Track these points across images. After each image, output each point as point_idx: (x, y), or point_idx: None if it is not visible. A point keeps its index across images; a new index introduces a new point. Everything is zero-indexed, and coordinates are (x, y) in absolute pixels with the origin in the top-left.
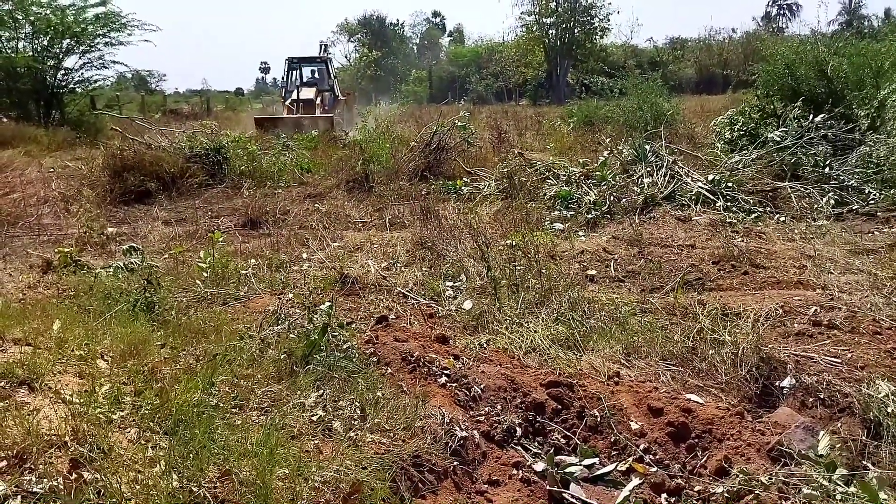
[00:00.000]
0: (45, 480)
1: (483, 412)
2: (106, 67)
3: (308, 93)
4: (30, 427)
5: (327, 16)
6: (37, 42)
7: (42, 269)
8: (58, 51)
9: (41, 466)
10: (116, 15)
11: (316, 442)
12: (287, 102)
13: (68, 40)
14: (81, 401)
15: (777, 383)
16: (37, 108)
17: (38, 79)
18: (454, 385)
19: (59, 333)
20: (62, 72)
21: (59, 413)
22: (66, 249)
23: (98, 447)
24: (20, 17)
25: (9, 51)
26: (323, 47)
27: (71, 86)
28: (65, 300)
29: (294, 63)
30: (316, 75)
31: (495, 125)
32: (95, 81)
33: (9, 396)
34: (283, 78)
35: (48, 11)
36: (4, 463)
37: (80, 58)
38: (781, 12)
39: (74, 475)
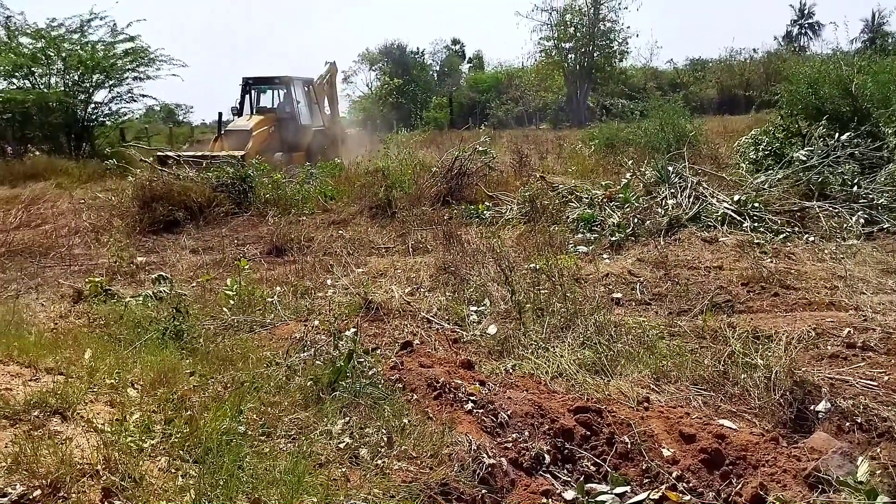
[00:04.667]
0: None
1: (510, 439)
2: (135, 101)
3: (244, 123)
4: (63, 456)
5: (351, 44)
6: (68, 77)
7: (73, 299)
8: (88, 85)
9: (74, 495)
10: (145, 50)
11: (343, 470)
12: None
13: (98, 75)
14: (113, 429)
15: (812, 407)
16: (68, 141)
17: (70, 113)
18: (480, 411)
19: (90, 362)
20: (92, 105)
21: (92, 442)
22: (96, 279)
23: (129, 476)
24: (52, 53)
25: (42, 86)
26: (327, 66)
27: (101, 119)
28: (96, 329)
29: (250, 84)
30: (278, 100)
31: (516, 149)
32: (125, 114)
33: (42, 425)
34: (237, 103)
35: (79, 48)
36: (39, 492)
37: (109, 92)
38: (803, 31)
39: None
